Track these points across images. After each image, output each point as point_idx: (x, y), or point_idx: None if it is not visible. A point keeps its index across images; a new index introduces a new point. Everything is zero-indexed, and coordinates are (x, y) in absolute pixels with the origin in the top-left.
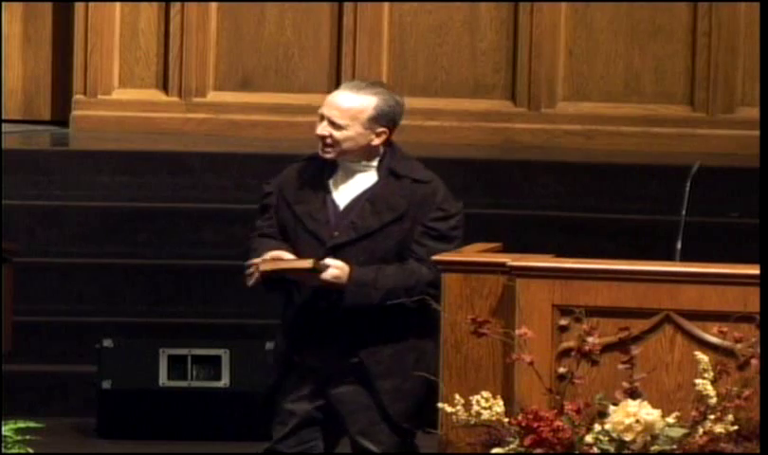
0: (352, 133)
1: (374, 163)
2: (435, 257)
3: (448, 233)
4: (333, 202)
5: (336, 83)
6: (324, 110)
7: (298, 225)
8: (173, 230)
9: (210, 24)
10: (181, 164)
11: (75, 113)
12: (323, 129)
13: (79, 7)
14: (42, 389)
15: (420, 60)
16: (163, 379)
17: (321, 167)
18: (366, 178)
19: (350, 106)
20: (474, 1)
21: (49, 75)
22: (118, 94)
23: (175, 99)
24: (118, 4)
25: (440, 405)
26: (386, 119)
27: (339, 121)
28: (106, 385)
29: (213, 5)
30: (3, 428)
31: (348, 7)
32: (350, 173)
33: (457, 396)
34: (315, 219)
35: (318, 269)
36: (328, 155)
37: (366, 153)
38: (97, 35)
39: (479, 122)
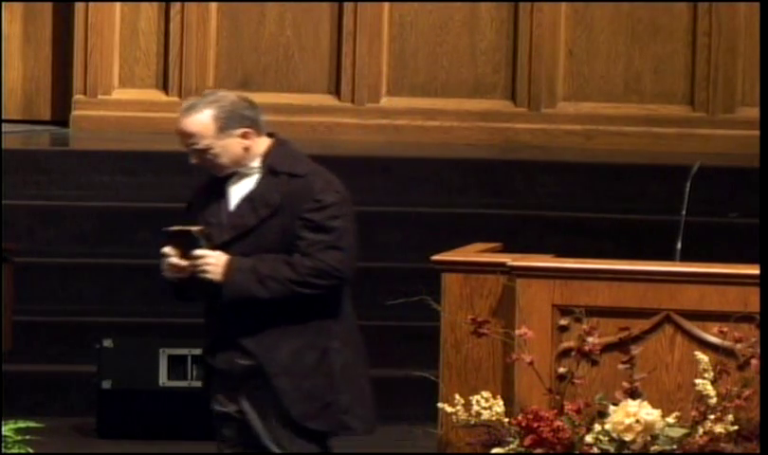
0: (217, 149)
1: (257, 163)
2: (435, 257)
3: (324, 223)
4: (226, 205)
5: (336, 83)
6: (183, 143)
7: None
8: None
9: (210, 24)
10: (181, 164)
11: (75, 113)
12: (194, 159)
13: (79, 6)
14: (42, 389)
15: (420, 59)
16: (163, 379)
17: (223, 176)
18: (252, 179)
19: (196, 129)
20: (474, 1)
21: (49, 75)
22: (119, 94)
23: (175, 98)
24: (118, 4)
25: (440, 405)
26: (235, 121)
27: (199, 144)
28: (106, 385)
29: (213, 5)
30: (3, 428)
31: (348, 6)
32: (241, 177)
33: (457, 396)
34: (209, 223)
35: (203, 236)
36: (222, 174)
37: (250, 156)
38: (97, 35)
39: (479, 122)
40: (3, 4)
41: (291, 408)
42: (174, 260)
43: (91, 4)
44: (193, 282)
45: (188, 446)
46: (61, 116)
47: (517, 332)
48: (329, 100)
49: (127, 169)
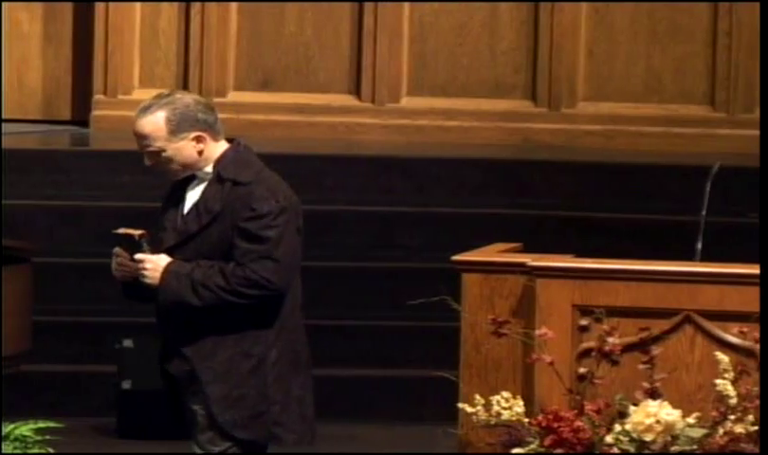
0: (169, 153)
1: (211, 169)
2: (455, 257)
3: (258, 233)
4: (181, 210)
5: (356, 83)
6: (137, 145)
7: (161, 233)
8: None
9: (231, 24)
10: None
11: (95, 113)
12: (148, 161)
13: (99, 6)
14: (61, 389)
15: (440, 60)
16: None
17: (187, 179)
18: (204, 185)
19: (148, 130)
20: (494, 1)
21: (70, 75)
22: (139, 94)
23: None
24: (138, 4)
25: (460, 405)
26: (188, 125)
27: (152, 147)
28: (126, 385)
29: (234, 5)
30: (23, 429)
31: (368, 6)
32: (198, 182)
33: (477, 396)
34: (164, 227)
35: (142, 241)
36: (177, 177)
37: (204, 161)
38: (117, 35)
39: (499, 122)
40: (22, 4)
41: (219, 415)
42: (121, 260)
43: (111, 4)
44: (141, 283)
45: None
46: (80, 116)
47: (537, 332)
48: (349, 100)
49: (147, 169)
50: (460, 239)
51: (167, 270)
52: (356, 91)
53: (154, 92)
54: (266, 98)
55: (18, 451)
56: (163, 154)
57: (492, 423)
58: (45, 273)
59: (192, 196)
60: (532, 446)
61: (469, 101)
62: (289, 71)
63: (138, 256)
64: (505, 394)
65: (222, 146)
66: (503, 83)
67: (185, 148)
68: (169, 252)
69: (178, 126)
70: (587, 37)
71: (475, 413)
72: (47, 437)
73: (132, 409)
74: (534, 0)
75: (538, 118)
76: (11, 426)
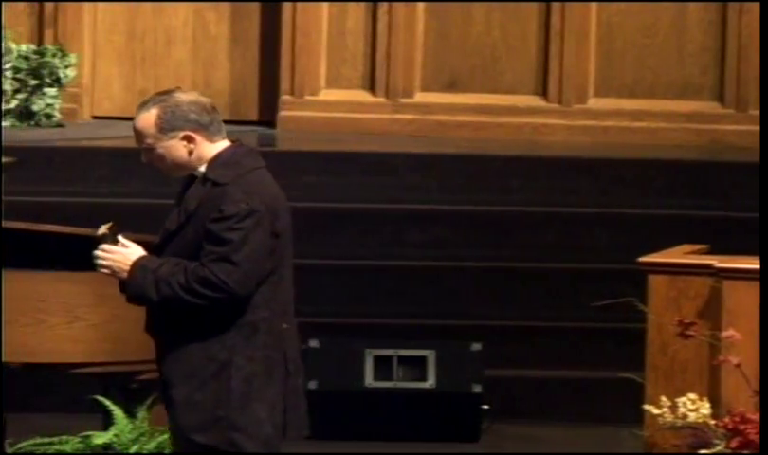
0: (160, 150)
1: (204, 169)
2: (641, 259)
3: (221, 235)
4: (178, 209)
5: (543, 84)
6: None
7: None
8: (377, 231)
9: (418, 24)
10: (386, 165)
11: (282, 113)
12: (144, 158)
13: (286, 7)
14: None
15: (628, 61)
16: (369, 380)
17: (192, 179)
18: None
19: (140, 126)
20: (683, 1)
21: (256, 76)
22: (326, 95)
23: (382, 100)
24: (325, 4)
25: (646, 407)
26: (177, 123)
27: (145, 143)
28: (312, 385)
29: (421, 5)
30: None
31: (555, 7)
32: (193, 182)
33: (663, 398)
34: (164, 227)
35: (108, 236)
36: (171, 175)
37: (196, 160)
38: (304, 36)
39: (686, 124)
40: (210, 4)
41: (179, 418)
42: (97, 252)
43: (299, 4)
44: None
45: (393, 447)
46: (267, 116)
47: (723, 334)
48: (536, 101)
49: (333, 170)
50: (646, 240)
51: (135, 264)
52: (543, 92)
53: (340, 93)
54: (453, 98)
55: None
56: (155, 152)
57: (678, 425)
58: None
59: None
60: (718, 449)
61: (656, 103)
62: (476, 72)
63: (105, 246)
64: (692, 396)
65: (219, 147)
66: (691, 84)
67: (174, 147)
68: (155, 250)
69: (168, 124)
70: None
71: (661, 415)
72: None
73: (318, 410)
74: (723, 0)
75: (725, 119)
76: None
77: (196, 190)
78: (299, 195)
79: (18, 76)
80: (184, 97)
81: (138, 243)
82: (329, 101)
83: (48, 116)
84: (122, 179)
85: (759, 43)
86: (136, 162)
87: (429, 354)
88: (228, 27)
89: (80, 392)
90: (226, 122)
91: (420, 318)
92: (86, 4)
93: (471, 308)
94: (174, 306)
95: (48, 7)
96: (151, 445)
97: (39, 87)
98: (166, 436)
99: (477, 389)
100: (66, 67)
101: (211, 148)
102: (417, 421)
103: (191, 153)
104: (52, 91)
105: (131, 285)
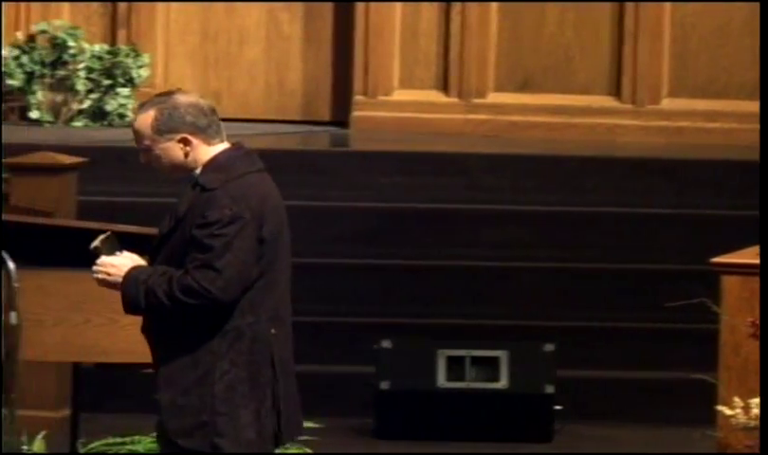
0: (157, 151)
1: (199, 172)
2: (714, 259)
3: (204, 242)
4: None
5: (616, 84)
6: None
7: None
8: (450, 231)
9: (491, 24)
10: (459, 165)
11: (355, 114)
12: (142, 159)
13: (359, 7)
14: (320, 389)
15: (701, 61)
16: (441, 380)
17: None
18: None
19: (138, 127)
20: (755, 1)
21: (329, 76)
22: (398, 95)
23: (455, 100)
24: (398, 4)
25: (719, 407)
26: (174, 125)
27: (142, 144)
28: (384, 386)
29: (494, 5)
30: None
31: (629, 7)
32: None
33: (736, 399)
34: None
35: (101, 249)
36: (168, 177)
37: (191, 164)
38: (377, 36)
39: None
40: (282, 4)
41: (166, 422)
42: (93, 266)
43: (372, 4)
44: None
45: (465, 447)
46: (340, 116)
47: None
48: (609, 102)
49: (405, 170)
50: (719, 241)
51: (127, 275)
52: (617, 92)
53: (413, 93)
54: (526, 99)
55: (277, 451)
56: (153, 153)
57: (751, 426)
58: (303, 274)
59: None
60: None
61: (730, 103)
62: (549, 72)
63: (102, 259)
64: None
65: (216, 149)
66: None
67: (171, 148)
68: (151, 255)
69: (165, 126)
70: None
71: (734, 416)
72: (306, 437)
73: (390, 410)
74: None
75: None
76: None
77: (187, 194)
78: (372, 196)
79: (91, 76)
80: (183, 99)
81: (145, 236)
82: (402, 102)
83: (121, 116)
84: None
85: (760, 43)
86: None
87: (502, 355)
88: (301, 27)
89: (152, 393)
90: (298, 123)
91: (493, 319)
92: (159, 4)
93: (544, 308)
94: (164, 314)
95: (122, 7)
96: None
97: (112, 87)
98: None
99: (550, 389)
100: (140, 67)
101: (208, 151)
102: (489, 421)
103: (187, 155)
104: (125, 91)
105: (124, 296)
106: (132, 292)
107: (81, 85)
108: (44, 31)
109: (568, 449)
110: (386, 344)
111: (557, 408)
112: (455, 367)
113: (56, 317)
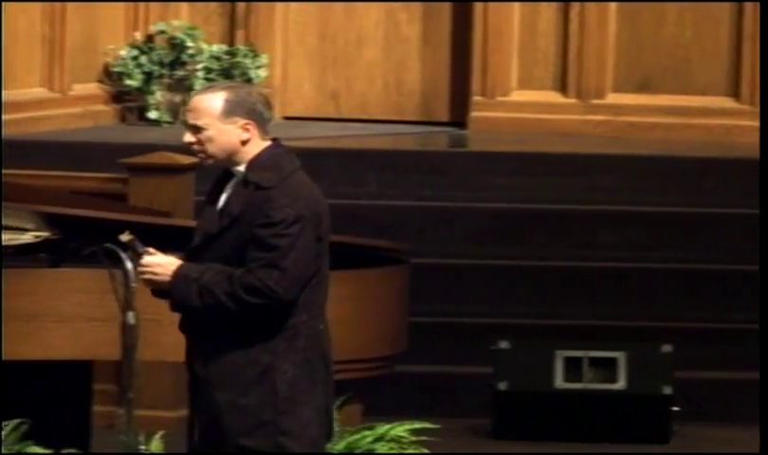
0: (212, 132)
1: (243, 168)
2: None
3: (269, 241)
4: (213, 210)
5: (735, 85)
6: (185, 117)
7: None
8: (568, 232)
9: (609, 25)
10: (577, 166)
11: (473, 114)
12: (187, 137)
13: (477, 7)
14: (436, 389)
15: None
16: (559, 381)
17: (225, 177)
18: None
19: (203, 105)
20: None
21: (448, 76)
22: (517, 96)
23: (573, 100)
24: (516, 4)
25: None
26: (242, 110)
27: (197, 122)
28: (502, 386)
29: (613, 5)
30: (399, 429)
31: (748, 7)
32: (234, 181)
33: None
34: (199, 224)
35: (130, 246)
36: (207, 163)
37: (242, 154)
38: (495, 36)
39: None
40: (401, 4)
41: (225, 422)
42: (139, 268)
43: (490, 4)
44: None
45: (583, 448)
46: (458, 117)
47: None
48: (728, 103)
49: (523, 170)
50: None
51: (176, 274)
52: (735, 93)
53: (531, 94)
54: (645, 100)
55: (394, 451)
56: (205, 132)
57: None
58: (420, 274)
59: (226, 195)
60: None
61: None
62: (668, 73)
63: (146, 261)
64: None
65: (262, 145)
66: None
67: (230, 132)
68: (193, 252)
69: (233, 109)
70: None
71: None
72: (423, 438)
73: (508, 411)
74: None
75: None
76: (387, 426)
77: (238, 193)
78: (490, 196)
79: (209, 76)
80: (254, 89)
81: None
82: (520, 102)
83: None
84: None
85: (760, 42)
86: (324, 162)
87: (620, 356)
88: (420, 28)
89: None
90: (416, 123)
91: (611, 320)
92: (278, 4)
93: (662, 309)
94: (220, 313)
95: (240, 7)
96: (341, 445)
97: None
98: (356, 436)
99: (668, 390)
100: (258, 68)
101: (259, 145)
102: (607, 422)
103: (243, 143)
104: None
105: (173, 295)
106: (182, 290)
107: (199, 86)
108: (162, 32)
109: (685, 451)
110: (504, 345)
111: (675, 409)
112: (573, 368)
113: (173, 317)
